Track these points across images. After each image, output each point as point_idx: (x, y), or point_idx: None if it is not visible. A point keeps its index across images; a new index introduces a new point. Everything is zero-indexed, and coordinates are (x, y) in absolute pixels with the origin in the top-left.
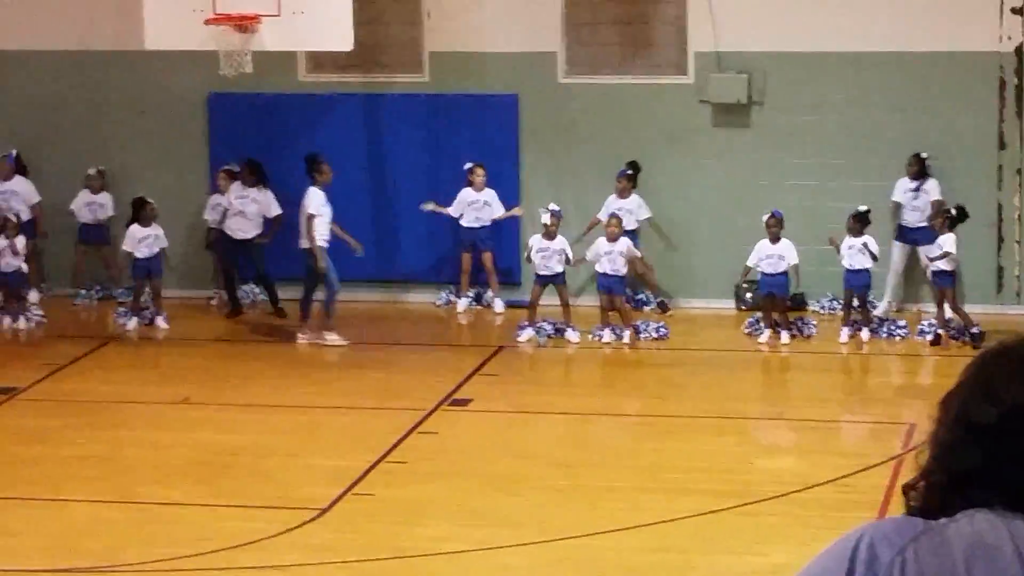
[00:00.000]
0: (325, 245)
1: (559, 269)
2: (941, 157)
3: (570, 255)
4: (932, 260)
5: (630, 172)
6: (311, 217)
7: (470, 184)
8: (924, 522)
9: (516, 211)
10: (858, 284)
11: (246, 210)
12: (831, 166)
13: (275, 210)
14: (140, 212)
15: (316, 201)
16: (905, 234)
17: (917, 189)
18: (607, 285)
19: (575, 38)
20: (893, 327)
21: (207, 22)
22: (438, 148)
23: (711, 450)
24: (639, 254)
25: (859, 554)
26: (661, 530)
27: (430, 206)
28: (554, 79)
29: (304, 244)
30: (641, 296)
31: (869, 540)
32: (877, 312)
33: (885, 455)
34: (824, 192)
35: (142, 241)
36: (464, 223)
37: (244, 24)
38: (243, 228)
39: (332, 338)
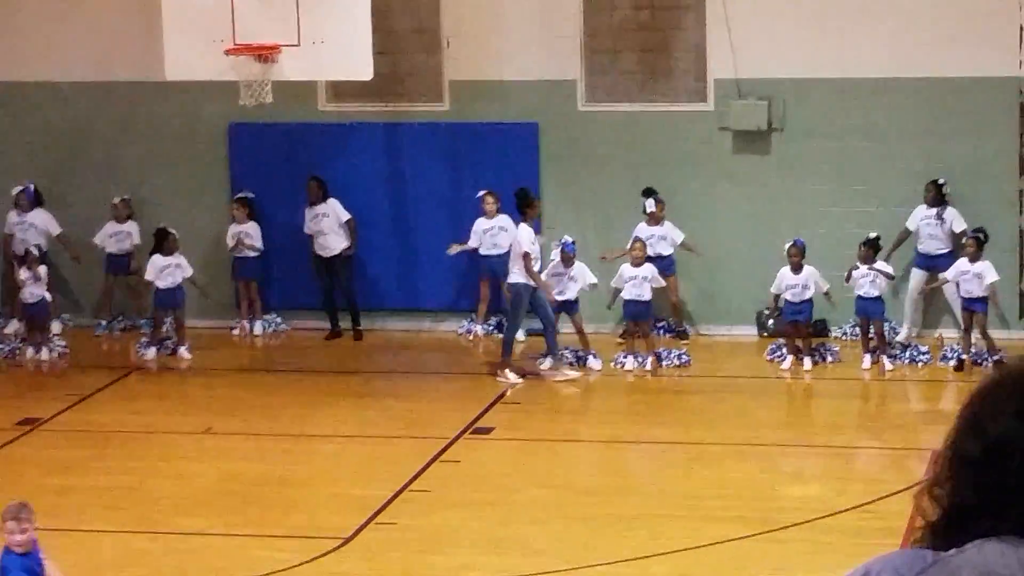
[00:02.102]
0: (526, 280)
1: (572, 297)
2: (961, 183)
3: (588, 284)
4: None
5: (658, 198)
6: (527, 255)
7: (483, 213)
8: (933, 554)
9: (455, 248)
10: (872, 311)
11: (323, 226)
12: (852, 192)
13: (345, 215)
14: (163, 243)
15: (529, 238)
16: (923, 261)
17: (937, 216)
18: (633, 312)
19: (595, 66)
20: (916, 353)
21: (227, 52)
22: (459, 176)
23: (735, 477)
24: (663, 283)
25: None
26: (686, 558)
27: (454, 249)
28: (574, 107)
29: (513, 280)
30: (662, 323)
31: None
32: (899, 338)
33: (908, 481)
34: (845, 218)
35: (164, 271)
36: (482, 251)
37: (264, 54)
38: (330, 244)
39: (510, 376)
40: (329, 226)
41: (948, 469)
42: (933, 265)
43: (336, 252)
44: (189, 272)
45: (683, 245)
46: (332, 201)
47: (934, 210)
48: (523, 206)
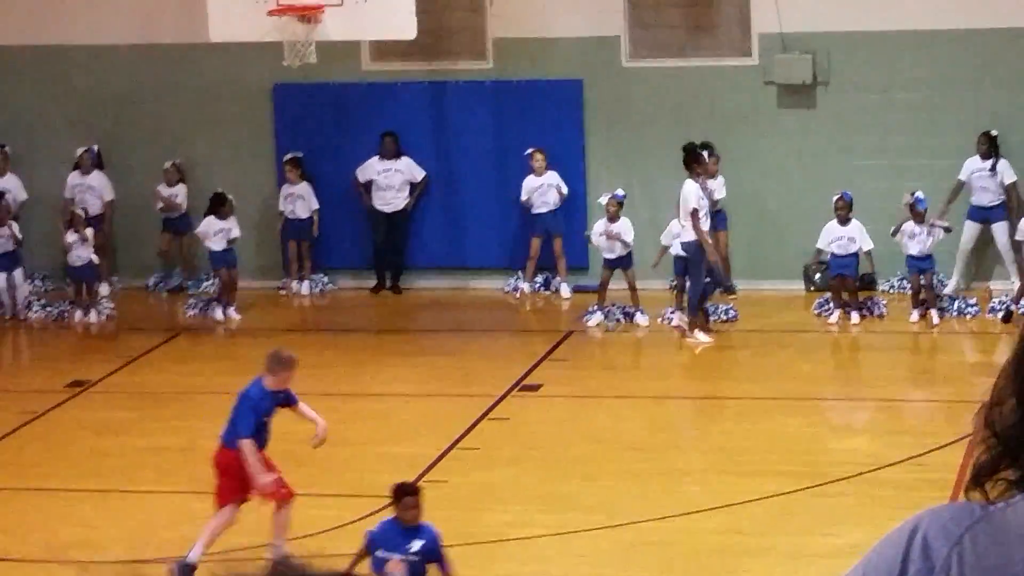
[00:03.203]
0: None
1: (623, 252)
2: (1009, 134)
3: (629, 239)
4: None
5: (714, 151)
6: (695, 212)
7: (532, 171)
8: (982, 507)
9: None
10: (924, 267)
11: (392, 182)
12: (899, 146)
13: (420, 174)
14: (219, 207)
15: (696, 194)
16: (976, 213)
17: (990, 169)
18: (680, 267)
19: (638, 22)
20: (964, 305)
21: (270, 13)
22: (503, 135)
23: (783, 431)
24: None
25: (914, 546)
26: (735, 512)
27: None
28: (618, 63)
29: (686, 238)
30: (709, 279)
31: (924, 531)
32: (947, 290)
33: (957, 434)
34: (893, 172)
35: (217, 234)
36: (534, 209)
37: (307, 14)
38: (392, 200)
39: (700, 336)
40: (399, 182)
41: (1010, 387)
42: (986, 217)
43: (399, 208)
44: (237, 234)
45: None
46: (406, 159)
47: (987, 162)
48: (690, 161)
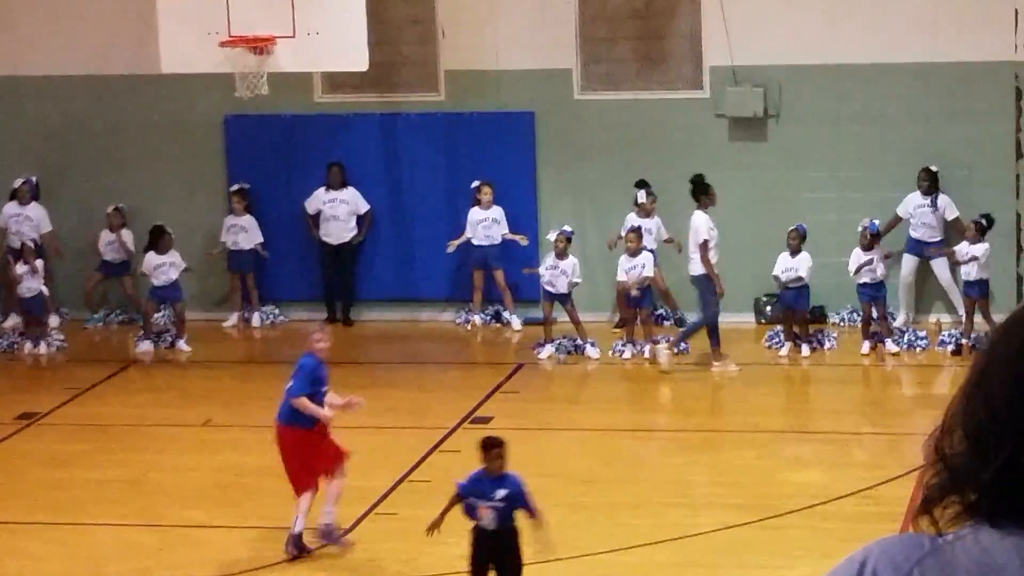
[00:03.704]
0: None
1: (564, 290)
2: (957, 168)
3: (576, 279)
4: (963, 262)
5: (652, 190)
6: (705, 243)
7: (477, 203)
8: (931, 540)
9: (520, 239)
10: (877, 296)
11: (338, 213)
12: (848, 179)
13: (364, 206)
14: (158, 241)
15: (705, 225)
16: (915, 247)
17: (931, 204)
18: (631, 300)
19: (591, 55)
20: (914, 338)
21: (222, 44)
22: (455, 166)
23: (734, 464)
24: (652, 274)
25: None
26: (686, 545)
27: (452, 246)
28: (570, 96)
29: (695, 271)
30: (660, 311)
31: (873, 565)
32: (896, 324)
33: (906, 467)
34: (842, 205)
35: (158, 268)
36: (475, 241)
37: (259, 46)
38: (338, 232)
39: (729, 366)
40: (344, 213)
41: (959, 416)
42: (923, 252)
43: (345, 240)
44: (182, 267)
45: (667, 241)
46: (351, 189)
47: (928, 198)
48: (698, 193)
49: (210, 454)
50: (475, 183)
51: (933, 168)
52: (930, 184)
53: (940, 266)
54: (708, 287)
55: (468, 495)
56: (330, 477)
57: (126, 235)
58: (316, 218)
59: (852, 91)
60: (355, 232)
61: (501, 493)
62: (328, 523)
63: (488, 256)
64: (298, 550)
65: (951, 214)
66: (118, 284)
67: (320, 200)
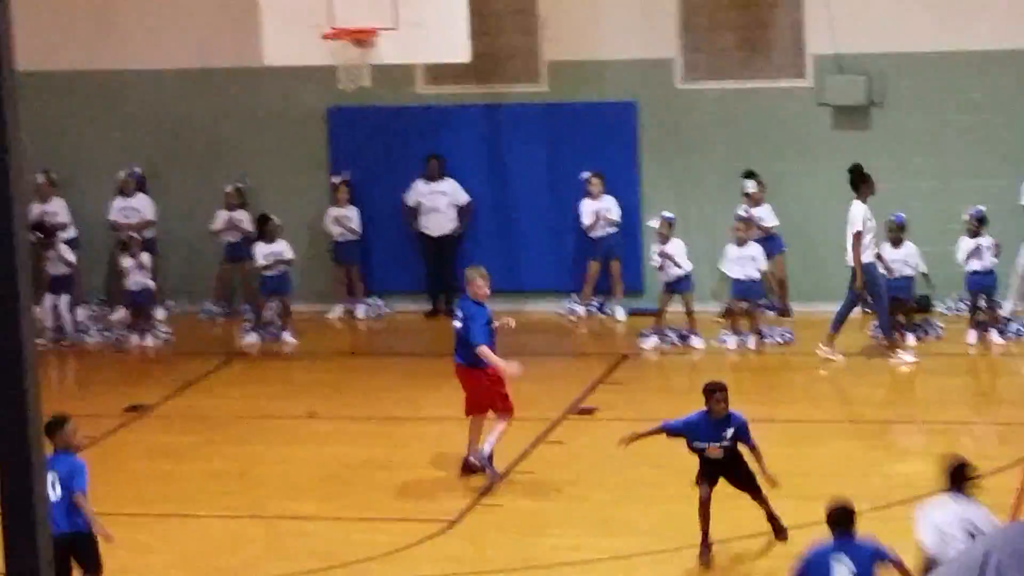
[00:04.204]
0: (871, 261)
1: (680, 273)
2: None
3: (684, 263)
4: None
5: (759, 180)
6: (858, 234)
7: (588, 194)
8: None
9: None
10: (986, 284)
11: (438, 204)
12: (955, 168)
13: (464, 198)
14: (263, 229)
15: (862, 216)
16: None
17: None
18: (741, 290)
19: (692, 44)
20: (1021, 327)
21: (325, 37)
22: (558, 157)
23: (842, 455)
24: (766, 266)
25: (988, 570)
26: (794, 536)
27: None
28: (672, 85)
29: (851, 262)
30: (765, 301)
31: (998, 557)
32: (1003, 312)
33: (1015, 457)
34: (949, 194)
35: (267, 258)
36: (592, 233)
37: (362, 38)
38: (438, 224)
39: (903, 356)
40: (444, 205)
41: None
42: None
43: (446, 232)
44: (290, 256)
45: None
46: (451, 181)
47: None
48: (858, 182)
49: (315, 446)
50: (585, 174)
51: None
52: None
53: None
54: (874, 276)
55: (690, 437)
56: (499, 415)
57: (242, 215)
58: (416, 210)
59: (958, 79)
60: (456, 223)
61: (729, 433)
62: (487, 452)
63: (606, 246)
64: (471, 469)
65: None
66: (239, 271)
67: (419, 192)
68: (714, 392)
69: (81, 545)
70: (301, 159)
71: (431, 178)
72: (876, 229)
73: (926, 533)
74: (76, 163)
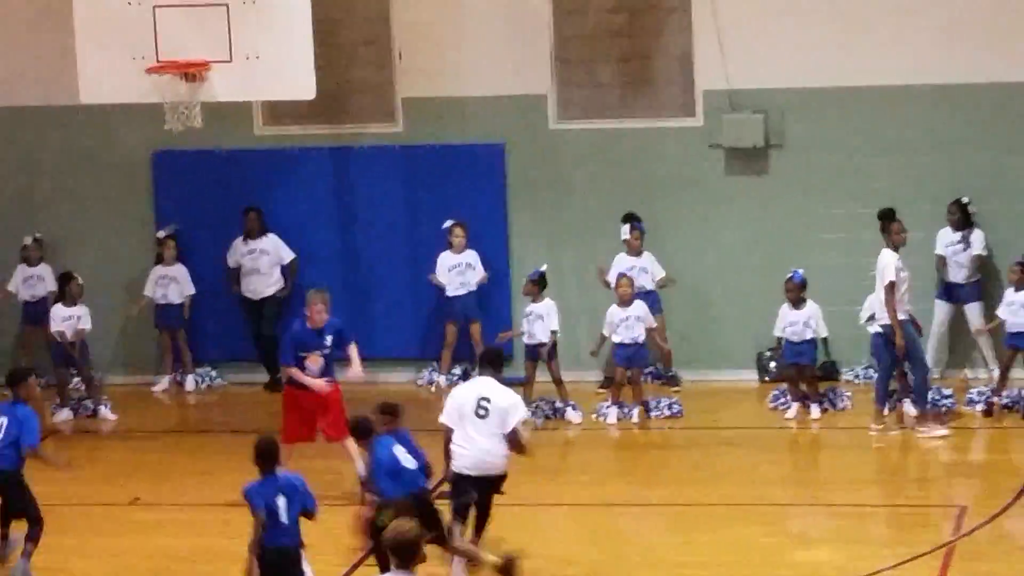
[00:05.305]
0: (905, 317)
1: (543, 338)
2: (982, 201)
3: (555, 326)
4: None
5: (639, 224)
6: (891, 285)
7: (450, 246)
8: None
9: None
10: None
11: (259, 265)
12: (861, 216)
13: (288, 254)
14: (63, 289)
15: (894, 265)
16: (950, 292)
17: (962, 241)
18: (626, 356)
19: (568, 79)
20: (938, 396)
21: (149, 71)
22: (415, 206)
23: (739, 541)
24: (655, 324)
25: None
26: None
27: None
28: (545, 125)
29: (888, 318)
30: (650, 369)
31: None
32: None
33: (934, 543)
34: (855, 246)
35: (65, 322)
36: (448, 291)
37: (192, 72)
38: (260, 286)
39: (936, 431)
40: (265, 265)
41: None
42: (958, 297)
43: (266, 295)
44: (87, 326)
45: (664, 280)
46: (272, 237)
47: (959, 234)
48: (886, 227)
49: (140, 536)
50: (447, 223)
51: (965, 200)
52: (961, 219)
53: (973, 313)
54: (912, 336)
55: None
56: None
57: (44, 270)
58: (237, 272)
59: (865, 117)
60: (280, 284)
61: None
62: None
63: (463, 307)
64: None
65: (979, 249)
66: (39, 335)
67: (239, 251)
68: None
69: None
70: (122, 210)
71: (249, 235)
72: (909, 280)
73: None
74: None
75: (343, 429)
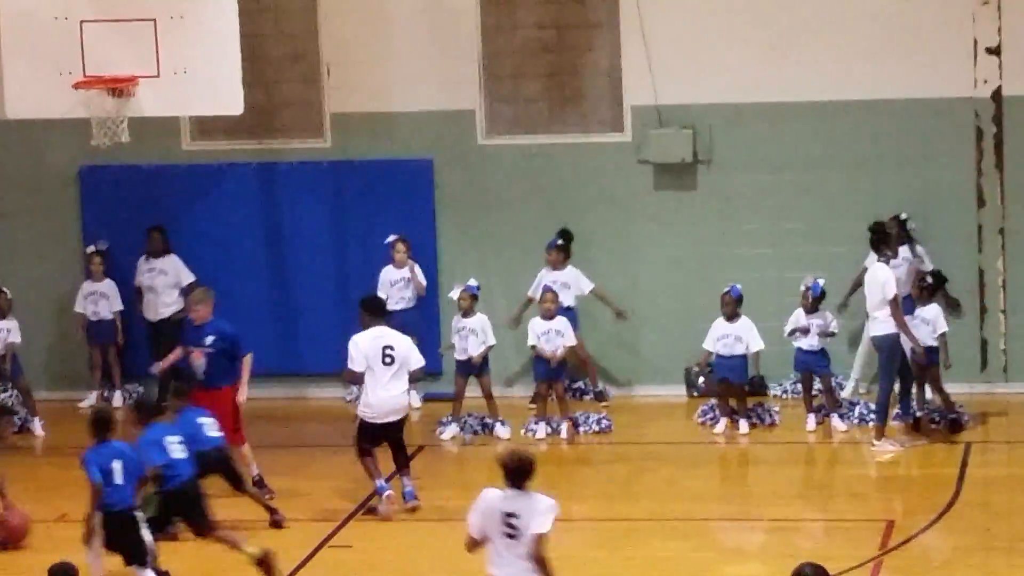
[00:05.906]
0: (896, 331)
1: (475, 352)
2: (914, 218)
3: (490, 341)
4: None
5: (561, 242)
6: (896, 298)
7: (392, 261)
8: None
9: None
10: (814, 365)
11: (156, 284)
12: (790, 231)
13: (188, 277)
14: None
15: (893, 278)
16: None
17: (916, 256)
18: (546, 372)
19: (496, 94)
20: (865, 411)
21: (76, 86)
22: (342, 222)
23: (668, 557)
24: (575, 341)
25: None
26: None
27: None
28: (473, 140)
29: (880, 331)
30: (579, 384)
31: None
32: (844, 394)
33: (861, 558)
34: (782, 261)
35: None
36: (389, 305)
37: (119, 87)
38: (158, 306)
39: (890, 446)
40: (163, 285)
41: None
42: None
43: (164, 316)
44: (17, 339)
45: (594, 293)
46: (173, 257)
47: (905, 247)
48: (879, 243)
49: (65, 553)
50: (390, 238)
51: (903, 216)
52: (899, 233)
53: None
54: (895, 350)
55: None
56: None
57: None
58: (141, 291)
59: (794, 133)
60: (178, 307)
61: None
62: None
63: (402, 322)
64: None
65: (916, 265)
66: None
67: (141, 270)
68: None
69: None
70: (49, 225)
71: (152, 254)
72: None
73: None
74: None
75: (231, 434)
